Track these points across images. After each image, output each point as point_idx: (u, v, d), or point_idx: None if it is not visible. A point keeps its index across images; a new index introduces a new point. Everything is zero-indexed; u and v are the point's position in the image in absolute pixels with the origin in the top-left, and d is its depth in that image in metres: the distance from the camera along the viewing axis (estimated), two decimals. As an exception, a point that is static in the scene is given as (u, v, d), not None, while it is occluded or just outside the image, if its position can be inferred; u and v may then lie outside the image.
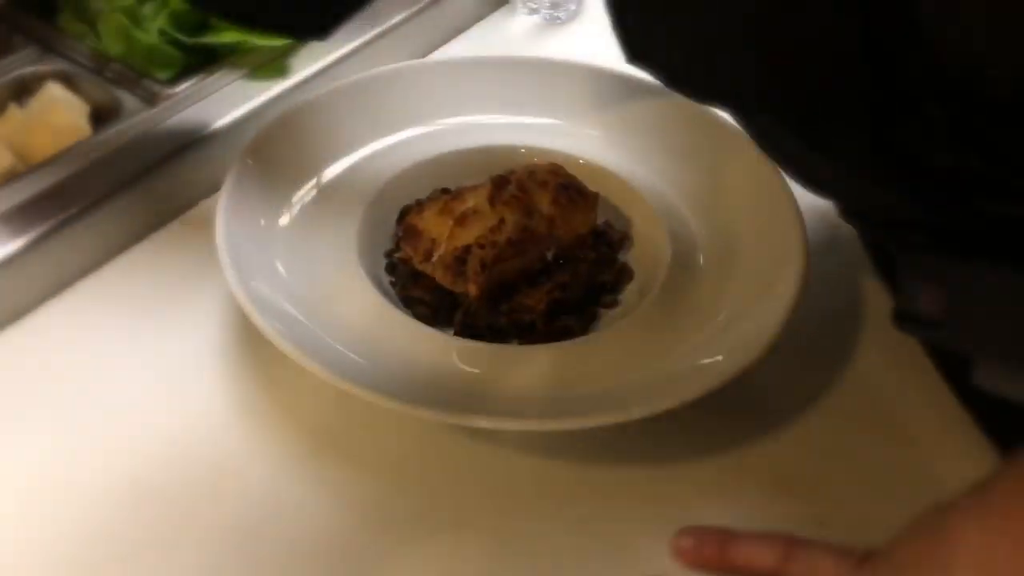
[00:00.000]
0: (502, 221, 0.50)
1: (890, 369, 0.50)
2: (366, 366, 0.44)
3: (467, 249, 0.49)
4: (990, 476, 0.34)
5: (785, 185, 0.51)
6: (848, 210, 0.41)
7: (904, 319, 0.34)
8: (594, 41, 0.76)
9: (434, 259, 0.49)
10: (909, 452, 0.46)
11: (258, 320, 0.43)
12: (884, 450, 0.46)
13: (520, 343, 0.49)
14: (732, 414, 0.47)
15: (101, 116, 0.61)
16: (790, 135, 0.37)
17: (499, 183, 0.50)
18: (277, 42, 0.65)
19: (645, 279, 0.53)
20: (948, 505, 0.35)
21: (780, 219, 0.51)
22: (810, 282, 0.48)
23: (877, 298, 0.54)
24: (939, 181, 0.33)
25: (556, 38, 0.77)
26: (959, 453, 0.46)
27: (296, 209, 0.52)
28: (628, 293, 0.53)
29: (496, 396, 0.44)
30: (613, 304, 0.52)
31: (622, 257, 0.55)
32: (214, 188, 0.59)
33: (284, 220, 0.51)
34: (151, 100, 0.60)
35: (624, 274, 0.53)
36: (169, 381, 0.48)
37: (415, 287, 0.51)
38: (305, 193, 0.53)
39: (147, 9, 0.64)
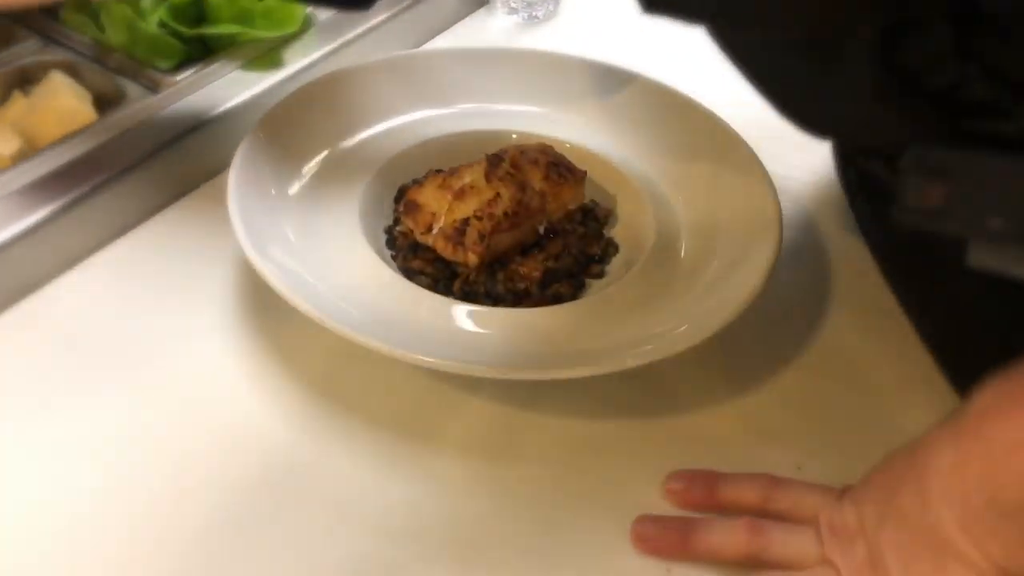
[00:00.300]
0: (498, 195, 0.53)
1: (856, 330, 0.54)
2: (374, 323, 0.47)
3: (466, 221, 0.52)
4: (962, 406, 0.37)
5: (759, 164, 0.55)
6: (843, 141, 0.43)
7: (906, 214, 0.38)
8: (571, 39, 0.80)
9: (434, 231, 0.52)
10: (876, 402, 0.50)
11: (271, 278, 0.46)
12: (854, 401, 0.50)
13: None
14: (715, 370, 0.51)
15: (104, 104, 0.63)
16: (798, 59, 0.40)
17: (494, 160, 0.54)
18: (272, 34, 0.68)
19: (630, 253, 0.56)
20: (921, 437, 0.39)
21: (756, 195, 0.55)
22: (782, 253, 0.51)
23: (844, 266, 0.58)
24: (935, 101, 0.37)
25: (535, 36, 0.80)
26: (923, 403, 0.50)
27: (304, 181, 0.55)
28: (614, 265, 0.56)
29: (494, 351, 0.47)
30: (600, 275, 0.55)
31: (608, 232, 0.58)
32: (215, 171, 0.62)
33: (293, 189, 0.54)
34: (154, 88, 0.63)
35: (610, 247, 0.57)
36: (186, 345, 0.51)
37: (415, 259, 0.54)
38: (311, 167, 0.56)
39: (146, 2, 0.67)
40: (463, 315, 0.49)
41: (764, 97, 0.42)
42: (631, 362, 0.45)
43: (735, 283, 0.50)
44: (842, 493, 0.42)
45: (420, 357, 0.44)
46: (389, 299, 0.49)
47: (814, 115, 0.43)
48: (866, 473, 0.41)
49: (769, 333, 0.53)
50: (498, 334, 0.49)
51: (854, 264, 0.59)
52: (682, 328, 0.48)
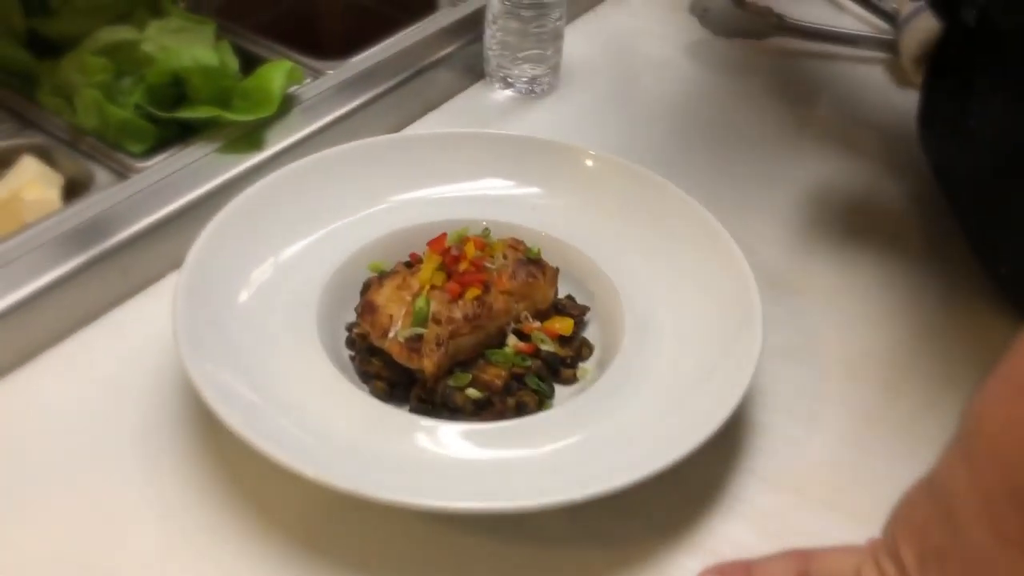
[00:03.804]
0: (459, 297, 0.50)
1: (848, 442, 0.50)
2: (318, 448, 0.44)
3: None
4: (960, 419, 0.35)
5: (748, 271, 0.52)
6: None
7: None
8: (569, 115, 0.78)
9: (391, 335, 0.49)
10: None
11: (216, 407, 0.43)
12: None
13: (478, 419, 0.49)
14: (688, 489, 0.47)
15: (75, 189, 0.62)
16: None
17: (456, 259, 0.51)
18: (251, 116, 0.66)
19: (605, 352, 0.53)
20: (933, 466, 0.37)
21: (738, 297, 0.51)
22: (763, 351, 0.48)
23: (833, 366, 0.54)
24: None
25: (532, 112, 0.78)
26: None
27: (256, 287, 0.52)
28: (588, 367, 0.53)
29: (446, 475, 0.44)
30: (572, 379, 0.52)
31: (583, 331, 0.55)
32: (182, 261, 0.59)
33: (243, 297, 0.51)
34: (123, 173, 0.61)
35: (584, 349, 0.53)
36: (135, 464, 0.48)
37: (373, 362, 0.51)
38: (266, 271, 0.53)
39: (125, 84, 0.66)
40: (414, 435, 0.46)
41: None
42: (594, 490, 0.41)
43: (712, 393, 0.46)
44: (872, 547, 0.39)
45: (365, 492, 0.41)
46: (339, 418, 0.46)
47: None
48: (887, 520, 0.39)
49: (750, 446, 0.49)
50: (450, 453, 0.45)
51: (848, 360, 0.55)
52: (651, 449, 0.44)
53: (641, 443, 0.45)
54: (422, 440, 0.46)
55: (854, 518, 0.46)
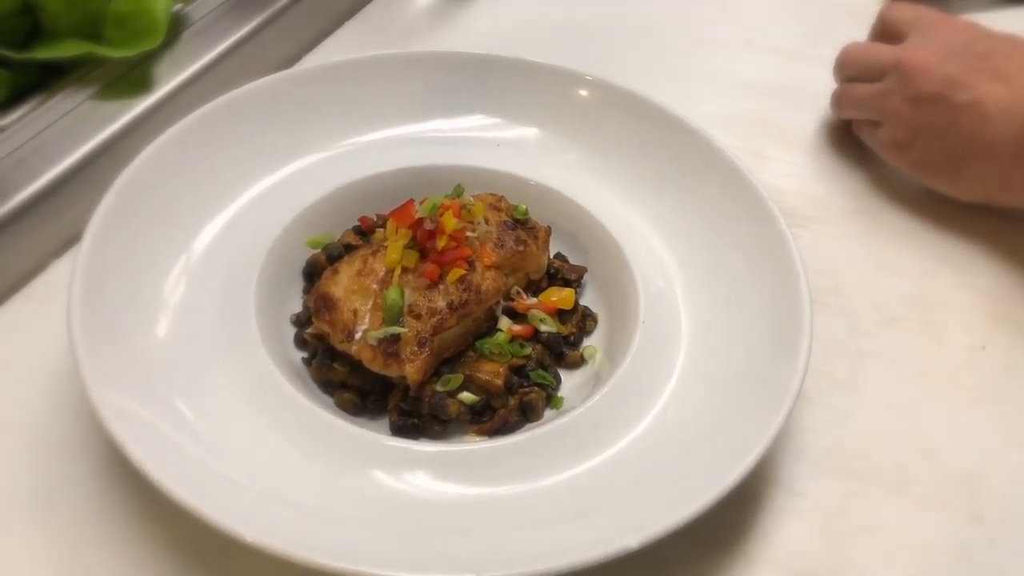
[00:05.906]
0: (439, 280, 0.40)
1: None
2: (261, 503, 0.34)
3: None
4: None
5: (788, 237, 0.42)
6: None
7: None
8: (513, 17, 0.66)
9: (357, 337, 0.39)
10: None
11: (134, 454, 0.33)
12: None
13: (475, 431, 0.39)
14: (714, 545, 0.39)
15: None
16: None
17: (431, 234, 0.40)
18: (132, 50, 0.53)
19: (611, 325, 0.44)
20: None
21: (780, 279, 0.41)
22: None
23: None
24: None
25: (467, 16, 0.66)
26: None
27: (173, 281, 0.40)
28: (595, 346, 0.43)
29: (428, 527, 0.35)
30: (578, 362, 0.43)
31: (582, 298, 0.45)
32: (68, 243, 0.47)
33: (159, 296, 0.39)
34: (-26, 138, 0.48)
35: (587, 320, 0.44)
36: (15, 520, 0.37)
37: (335, 368, 0.40)
38: (181, 258, 0.41)
39: (-42, 19, 0.51)
40: (397, 471, 0.36)
41: None
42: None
43: (755, 397, 0.38)
44: None
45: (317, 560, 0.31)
46: (293, 456, 0.36)
47: None
48: None
49: (789, 421, 0.42)
50: (444, 500, 0.35)
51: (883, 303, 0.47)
52: (684, 477, 0.36)
53: (673, 471, 0.36)
54: (400, 480, 0.36)
55: (923, 504, 0.40)
